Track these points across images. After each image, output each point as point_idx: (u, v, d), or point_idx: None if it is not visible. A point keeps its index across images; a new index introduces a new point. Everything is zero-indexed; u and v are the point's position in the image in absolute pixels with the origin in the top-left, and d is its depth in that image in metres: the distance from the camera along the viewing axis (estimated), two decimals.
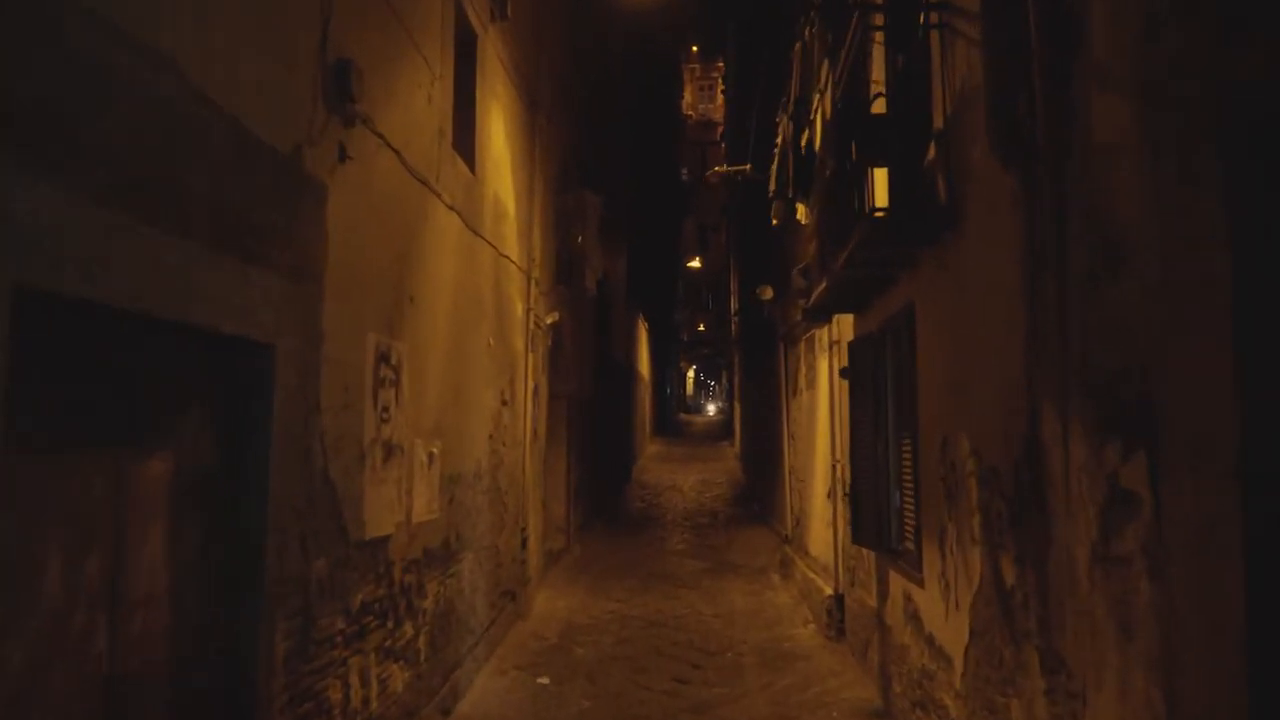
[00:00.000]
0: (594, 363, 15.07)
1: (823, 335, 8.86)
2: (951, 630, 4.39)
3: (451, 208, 6.08)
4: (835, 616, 7.92)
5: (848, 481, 7.14)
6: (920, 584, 5.03)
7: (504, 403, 7.99)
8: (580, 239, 10.95)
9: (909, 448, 5.34)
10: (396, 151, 4.91)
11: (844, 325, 7.67)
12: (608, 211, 15.97)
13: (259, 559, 3.41)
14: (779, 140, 6.32)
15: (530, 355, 9.01)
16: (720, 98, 55.76)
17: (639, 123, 26.71)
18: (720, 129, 55.65)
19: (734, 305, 28.93)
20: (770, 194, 7.11)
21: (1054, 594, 3.07)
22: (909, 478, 5.36)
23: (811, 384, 9.74)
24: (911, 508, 5.27)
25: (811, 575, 9.26)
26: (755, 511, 15.96)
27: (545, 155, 9.76)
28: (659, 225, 36.32)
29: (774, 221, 7.42)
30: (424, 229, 5.51)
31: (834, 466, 8.06)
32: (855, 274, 5.41)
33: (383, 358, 4.72)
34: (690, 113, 58.82)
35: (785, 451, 11.93)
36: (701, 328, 55.63)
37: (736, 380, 30.51)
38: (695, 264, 42.61)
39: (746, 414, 22.86)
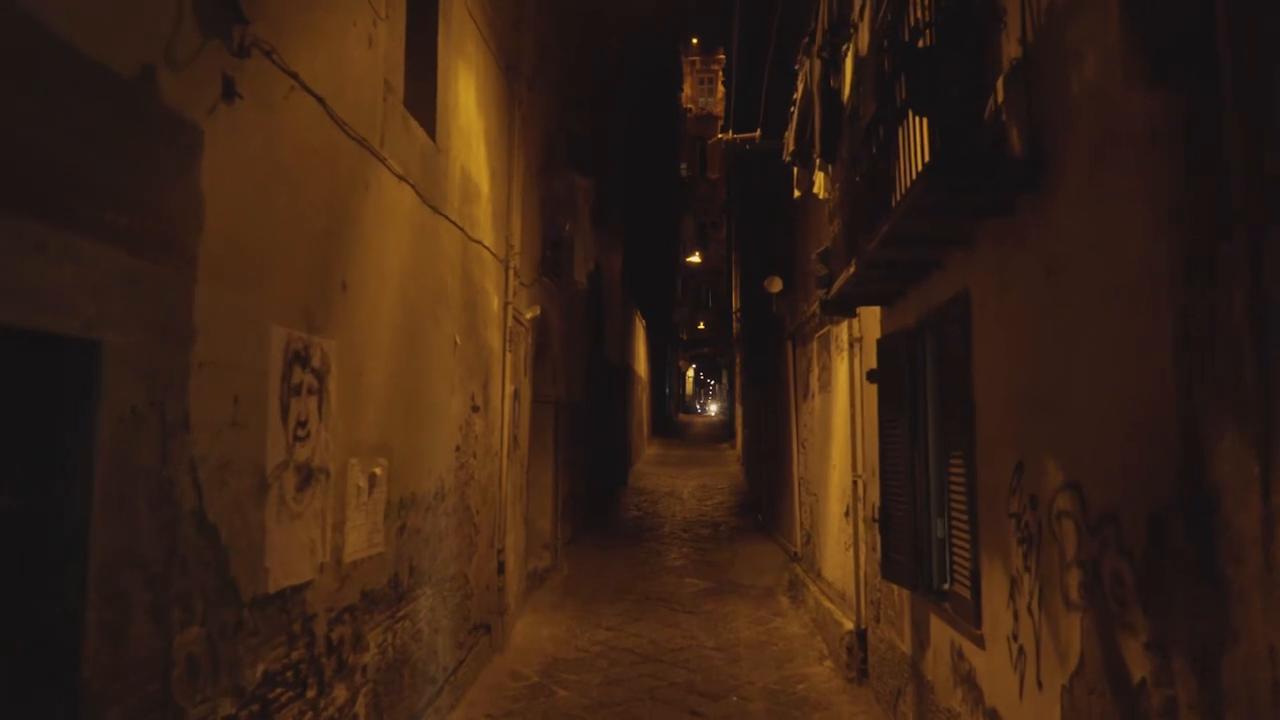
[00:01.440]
0: (585, 364, 14.05)
1: (840, 332, 7.84)
2: (1030, 716, 3.37)
3: (403, 179, 5.06)
4: (857, 655, 6.90)
5: (875, 503, 6.12)
6: (978, 642, 4.01)
7: (475, 409, 6.97)
8: (569, 227, 9.93)
9: (960, 469, 4.33)
10: (320, 99, 3.89)
11: (868, 320, 6.65)
12: (602, 202, 14.94)
13: (74, 643, 2.39)
14: (799, 91, 5.31)
15: (509, 355, 7.99)
16: (720, 89, 54.74)
17: (636, 113, 25.70)
18: (720, 122, 54.68)
19: (735, 303, 27.95)
20: (787, 157, 6.07)
21: (1234, 713, 2.05)
22: (960, 505, 4.34)
23: (826, 387, 8.72)
24: (965, 543, 4.25)
25: (827, 604, 8.24)
26: (759, 523, 14.94)
27: (527, 131, 8.74)
28: (657, 221, 35.35)
29: (795, 193, 6.40)
30: (364, 201, 4.49)
31: (855, 482, 7.04)
32: (894, 254, 4.39)
33: (299, 359, 3.70)
34: (690, 106, 57.83)
35: (794, 460, 10.91)
36: (701, 326, 54.64)
37: (738, 381, 29.53)
38: (695, 259, 41.61)
39: (749, 416, 21.85)
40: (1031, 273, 3.31)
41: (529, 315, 8.16)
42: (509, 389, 8.10)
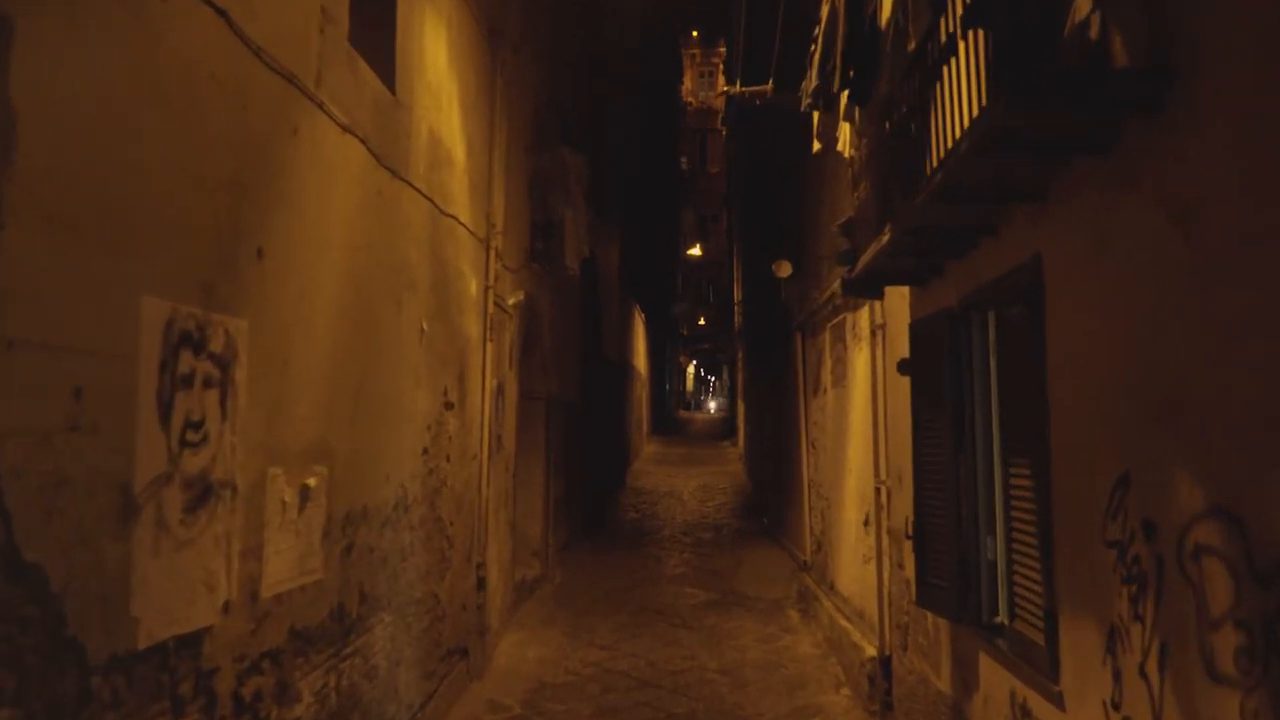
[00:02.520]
0: (580, 358, 13.23)
1: (858, 319, 7.02)
2: None
3: (350, 130, 4.23)
4: (880, 686, 6.08)
5: (906, 516, 5.29)
6: (1055, 700, 3.18)
7: (449, 406, 6.14)
8: (560, 208, 9.10)
9: (1026, 479, 3.50)
10: (221, 12, 3.06)
11: (893, 304, 5.83)
12: (599, 191, 14.11)
13: None
14: (823, 15, 4.48)
15: (490, 346, 7.16)
16: (721, 81, 53.80)
17: (636, 102, 24.88)
18: (720, 115, 53.83)
19: (737, 295, 27.13)
20: (805, 103, 5.20)
21: None
22: (1026, 524, 3.52)
23: (841, 381, 7.90)
24: (1033, 572, 3.42)
25: (843, 622, 7.41)
26: (764, 526, 14.11)
27: (512, 102, 7.90)
28: (657, 215, 34.57)
29: (815, 146, 5.53)
30: (292, 151, 3.66)
31: (877, 489, 6.21)
32: (940, 216, 3.57)
33: (189, 342, 2.88)
34: (690, 100, 57.00)
35: (803, 462, 10.09)
36: (702, 322, 53.83)
37: (740, 376, 28.73)
38: (696, 251, 40.82)
39: (751, 414, 21.04)
40: (1147, 226, 2.48)
41: (512, 300, 7.33)
42: (491, 383, 7.27)
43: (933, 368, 4.58)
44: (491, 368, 7.26)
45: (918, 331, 4.85)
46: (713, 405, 69.70)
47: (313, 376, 3.87)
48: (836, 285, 7.61)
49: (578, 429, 12.87)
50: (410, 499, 5.30)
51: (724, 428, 41.88)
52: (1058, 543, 3.17)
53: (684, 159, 52.29)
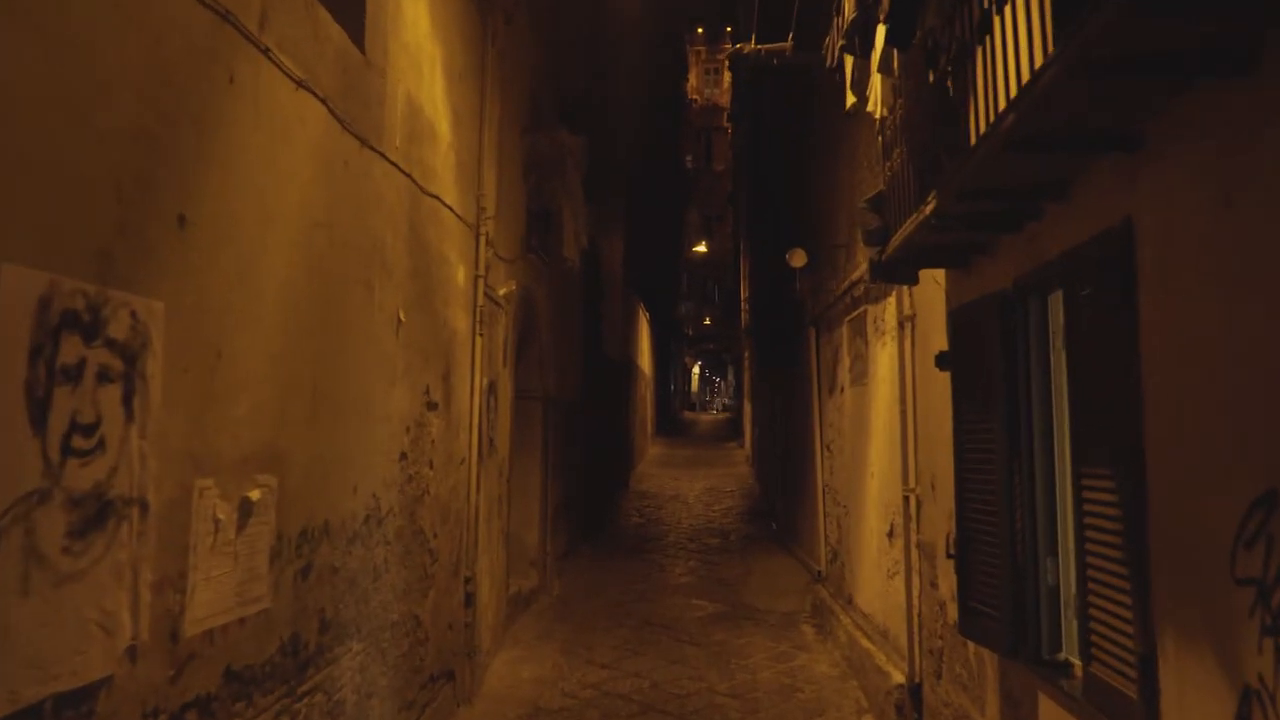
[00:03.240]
0: (581, 356, 12.64)
1: (882, 311, 6.42)
2: None
3: (305, 86, 3.64)
4: (910, 717, 5.48)
5: (949, 531, 4.69)
6: None
7: (432, 406, 5.56)
8: (557, 194, 8.51)
9: (1106, 494, 2.90)
10: None
11: (926, 294, 5.24)
12: (601, 183, 13.52)
13: None
14: None
15: (480, 341, 6.57)
16: (727, 78, 53.12)
17: (639, 92, 24.30)
18: (726, 113, 53.19)
19: (744, 292, 26.55)
20: (839, 45, 4.54)
21: None
22: (1106, 546, 2.91)
23: (860, 379, 7.30)
24: (1117, 605, 2.82)
25: (865, 643, 6.81)
26: (774, 532, 13.51)
27: (503, 74, 7.31)
28: (661, 214, 34.03)
29: (848, 101, 4.88)
30: (228, 102, 3.08)
31: (906, 498, 5.62)
32: (1001, 177, 2.97)
33: (73, 324, 2.30)
34: (695, 97, 56.44)
35: (817, 465, 9.49)
36: (707, 322, 53.23)
37: (746, 376, 28.15)
38: (701, 249, 40.24)
39: (759, 414, 20.44)
40: None
41: (503, 291, 6.73)
42: (481, 381, 6.69)
43: (980, 361, 3.98)
44: (482, 364, 6.68)
45: (960, 320, 4.25)
46: (716, 406, 69.06)
47: (257, 370, 3.28)
48: (856, 275, 7.01)
49: (578, 430, 12.29)
50: (385, 510, 4.72)
51: (730, 429, 41.31)
52: (1156, 573, 2.58)
53: (689, 157, 51.70)
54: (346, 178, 4.14)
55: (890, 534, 6.33)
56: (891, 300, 6.13)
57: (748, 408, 26.80)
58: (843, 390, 8.19)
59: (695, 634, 8.43)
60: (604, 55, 15.53)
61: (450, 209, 5.91)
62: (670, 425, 41.14)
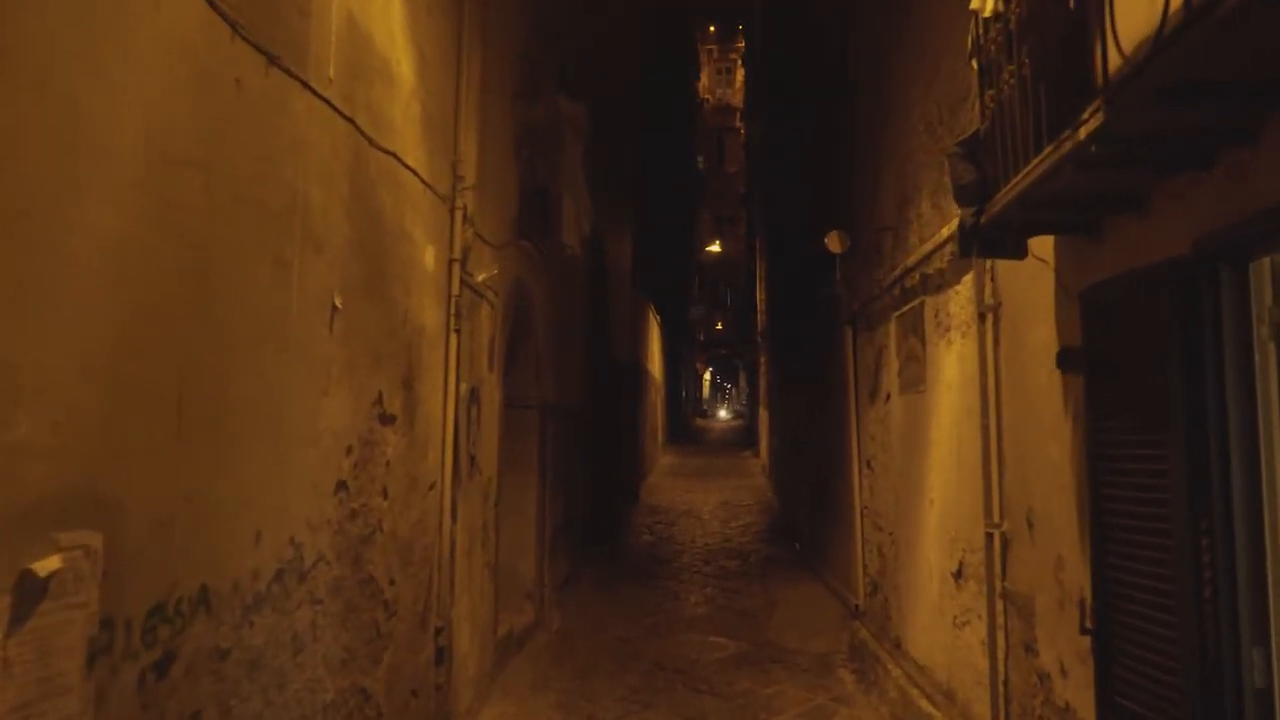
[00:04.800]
0: (584, 359, 11.48)
1: (949, 302, 5.23)
2: None
3: None
4: None
5: (1083, 595, 3.48)
6: None
7: (386, 419, 4.39)
8: (554, 171, 7.36)
9: None
10: None
11: (1018, 276, 4.04)
12: (608, 173, 12.38)
13: None
14: None
15: (456, 339, 5.41)
16: (740, 76, 51.94)
17: (650, 90, 23.21)
18: (739, 113, 52.06)
19: (760, 295, 25.38)
20: None
21: None
22: None
23: (915, 385, 6.10)
24: None
25: (923, 703, 5.59)
26: (798, 554, 12.28)
27: (488, 16, 6.14)
28: (673, 216, 32.93)
29: None
30: None
31: (989, 535, 4.41)
32: (1205, 69, 1.80)
33: None
34: (707, 97, 55.39)
35: (854, 484, 8.28)
36: (719, 326, 52.03)
37: (762, 382, 26.93)
38: (715, 248, 39.15)
39: (778, 422, 19.24)
40: None
41: (481, 277, 5.56)
42: (459, 388, 5.53)
43: (1136, 358, 2.79)
44: (460, 367, 5.52)
45: (1097, 303, 3.04)
46: (724, 413, 67.80)
47: (59, 370, 2.13)
48: (913, 258, 5.83)
49: (582, 441, 11.11)
50: (311, 560, 3.55)
51: (743, 436, 40.14)
52: None
53: (700, 158, 50.58)
54: (241, 106, 2.98)
55: (958, 574, 5.13)
56: (962, 287, 4.94)
57: (763, 415, 25.59)
58: (888, 398, 6.99)
59: (715, 681, 7.23)
60: (611, 35, 14.38)
61: (414, 173, 4.75)
62: (682, 433, 40.00)
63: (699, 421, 54.03)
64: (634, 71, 18.32)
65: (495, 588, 6.89)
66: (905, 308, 6.29)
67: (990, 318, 4.43)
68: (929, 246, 5.28)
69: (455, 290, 5.39)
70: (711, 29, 56.73)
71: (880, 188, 7.10)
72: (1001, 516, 4.33)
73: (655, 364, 25.74)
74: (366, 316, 4.14)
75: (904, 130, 6.26)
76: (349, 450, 3.94)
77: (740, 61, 53.06)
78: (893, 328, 6.73)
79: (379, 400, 4.32)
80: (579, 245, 7.90)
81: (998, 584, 4.37)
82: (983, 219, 3.22)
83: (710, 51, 56.83)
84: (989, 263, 4.47)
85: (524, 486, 8.23)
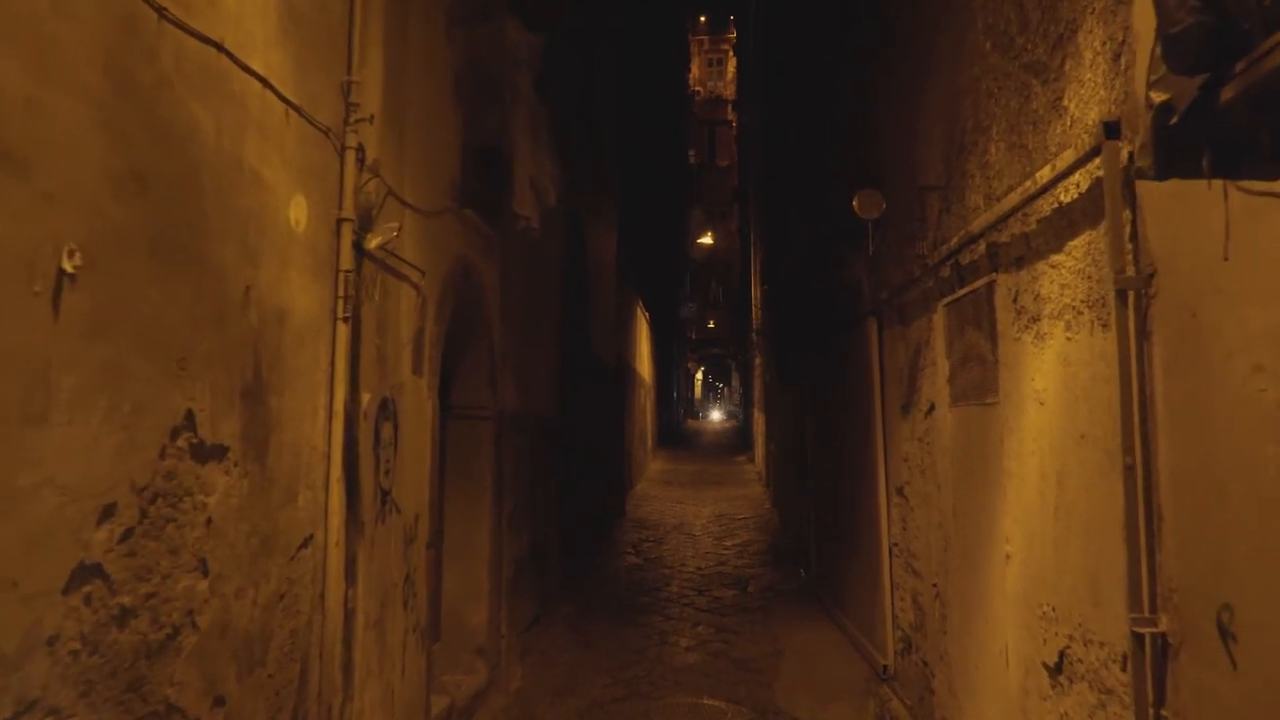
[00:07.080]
0: (557, 357, 9.91)
1: (1042, 279, 3.67)
2: None
3: None
4: None
5: None
6: None
7: (201, 455, 2.82)
8: (503, 118, 5.79)
9: None
10: None
11: (1192, 221, 2.49)
12: (587, 151, 10.82)
13: None
14: None
15: (345, 329, 3.84)
16: (732, 68, 50.35)
17: (639, 84, 21.70)
18: (730, 105, 50.52)
19: (756, 289, 23.85)
20: None
21: None
22: None
23: (979, 394, 4.55)
24: None
25: None
26: (805, 582, 10.72)
27: None
28: (663, 211, 31.44)
29: None
30: None
31: (1139, 638, 2.85)
32: None
33: None
34: (698, 89, 53.91)
35: (881, 514, 6.73)
36: (711, 324, 50.53)
37: (758, 383, 25.40)
38: (707, 240, 37.70)
39: (776, 428, 17.72)
40: None
41: (375, 241, 3.96)
42: (357, 398, 3.97)
43: None
44: (360, 370, 3.95)
45: None
46: (716, 415, 66.36)
47: None
48: (978, 223, 4.30)
49: (553, 452, 9.55)
50: (8, 713, 1.99)
51: (737, 439, 38.69)
52: None
53: (692, 151, 49.10)
54: None
55: (1057, 670, 3.59)
56: (1067, 257, 3.40)
57: (759, 418, 24.06)
58: (930, 410, 5.45)
59: None
60: (598, 32, 12.83)
61: (264, 82, 3.19)
62: (673, 436, 38.52)
63: (691, 423, 52.57)
64: (622, 76, 16.79)
65: (427, 656, 5.33)
66: (962, 291, 4.75)
67: (1137, 298, 2.89)
68: (1014, 199, 3.73)
69: (345, 263, 3.82)
70: (702, 20, 55.26)
71: (918, 139, 5.56)
72: (1158, 609, 2.79)
73: (644, 363, 24.18)
74: (155, 292, 2.57)
75: (957, 56, 4.73)
76: (108, 512, 2.38)
77: (731, 52, 51.50)
78: (939, 319, 5.19)
79: (188, 424, 2.75)
80: (536, 218, 6.33)
81: (1149, 710, 2.82)
82: (1225, 93, 1.69)
83: (701, 43, 55.36)
84: (1128, 212, 2.93)
85: (473, 518, 6.67)
